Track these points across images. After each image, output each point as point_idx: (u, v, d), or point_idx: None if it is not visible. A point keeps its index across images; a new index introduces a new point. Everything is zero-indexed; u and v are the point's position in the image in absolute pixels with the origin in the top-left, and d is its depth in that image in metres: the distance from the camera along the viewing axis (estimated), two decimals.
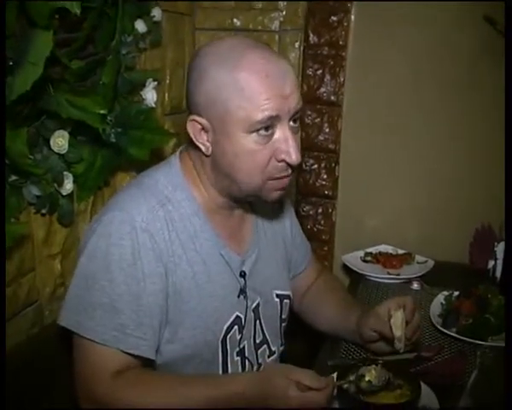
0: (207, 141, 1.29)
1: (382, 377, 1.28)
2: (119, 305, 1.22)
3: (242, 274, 1.41)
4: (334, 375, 1.29)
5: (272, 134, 1.26)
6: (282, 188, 1.33)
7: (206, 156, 1.31)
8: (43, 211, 1.52)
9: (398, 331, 1.40)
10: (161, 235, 1.27)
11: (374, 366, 1.30)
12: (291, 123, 1.28)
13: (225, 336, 1.36)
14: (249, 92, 1.21)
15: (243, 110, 1.22)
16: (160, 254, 1.26)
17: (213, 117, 1.26)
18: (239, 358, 1.41)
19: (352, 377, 1.29)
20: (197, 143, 1.30)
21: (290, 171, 1.30)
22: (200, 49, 1.32)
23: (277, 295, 1.52)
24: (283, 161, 1.27)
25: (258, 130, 1.23)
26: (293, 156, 1.26)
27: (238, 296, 1.40)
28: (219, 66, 1.24)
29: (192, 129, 1.29)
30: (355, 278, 2.13)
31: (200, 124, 1.28)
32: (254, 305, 1.45)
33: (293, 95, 1.25)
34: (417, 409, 1.25)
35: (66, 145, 1.49)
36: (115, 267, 1.22)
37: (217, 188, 1.35)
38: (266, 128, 1.24)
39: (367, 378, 1.28)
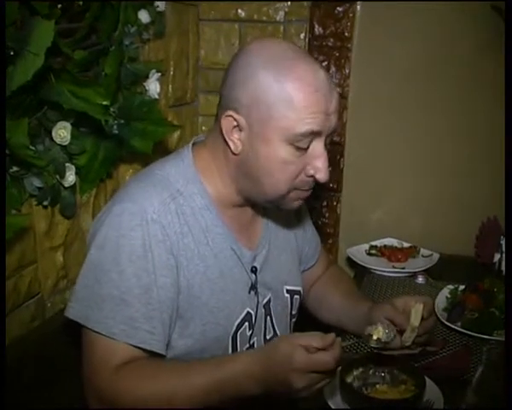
0: (238, 139, 1.27)
1: (391, 333, 1.27)
2: (128, 298, 1.20)
3: (254, 270, 1.40)
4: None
5: (307, 149, 1.25)
6: (303, 199, 1.35)
7: (234, 154, 1.29)
8: (45, 203, 1.51)
9: (415, 321, 1.39)
10: (172, 228, 1.25)
11: (379, 323, 1.30)
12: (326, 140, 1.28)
13: (236, 333, 1.35)
14: (296, 104, 1.20)
15: (287, 120, 1.21)
16: (171, 246, 1.24)
17: (254, 118, 1.24)
18: None
19: (356, 372, 1.29)
20: (227, 139, 1.28)
21: (313, 185, 1.31)
22: (248, 46, 1.29)
23: (288, 291, 1.51)
24: (312, 176, 1.28)
25: (296, 142, 1.23)
26: (323, 175, 1.27)
27: (249, 292, 1.38)
28: (269, 70, 1.22)
29: (226, 124, 1.27)
30: (360, 271, 2.13)
31: (235, 121, 1.26)
32: (265, 301, 1.43)
33: (335, 113, 1.26)
34: (422, 404, 1.24)
35: (69, 137, 1.48)
36: (125, 259, 1.20)
37: (236, 186, 1.33)
38: (305, 142, 1.23)
39: (375, 337, 1.26)
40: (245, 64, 1.25)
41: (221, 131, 1.28)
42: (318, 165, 1.26)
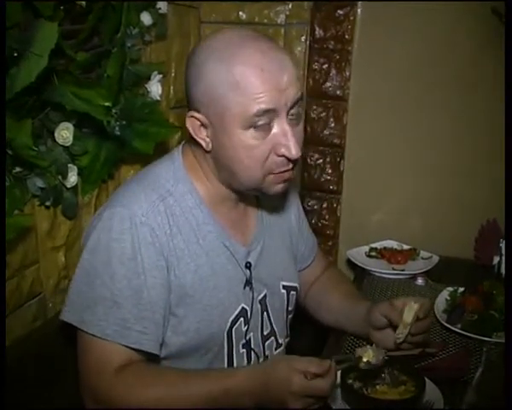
0: (207, 136, 1.28)
1: (380, 356, 1.27)
2: (119, 300, 1.22)
3: (248, 265, 1.41)
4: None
5: (270, 128, 1.24)
6: (285, 181, 1.32)
7: (207, 152, 1.30)
8: (48, 203, 1.52)
9: (408, 318, 1.40)
10: (162, 229, 1.27)
11: (369, 346, 1.30)
12: (290, 116, 1.26)
13: (231, 329, 1.36)
14: (244, 86, 1.20)
15: (239, 105, 1.21)
16: (160, 248, 1.26)
17: (211, 113, 1.25)
18: (245, 350, 1.41)
19: (356, 373, 1.29)
20: (197, 139, 1.29)
21: (291, 165, 1.29)
22: (198, 44, 1.30)
23: (284, 287, 1.52)
24: (283, 155, 1.26)
25: (255, 124, 1.22)
26: (293, 151, 1.25)
27: (244, 288, 1.40)
28: (215, 60, 1.22)
29: (191, 125, 1.28)
30: (359, 273, 2.13)
31: (198, 120, 1.27)
32: (261, 296, 1.44)
33: (291, 88, 1.23)
34: (422, 404, 1.25)
35: (71, 137, 1.49)
36: (116, 262, 1.23)
37: (220, 181, 1.35)
38: (263, 122, 1.22)
39: (365, 359, 1.27)
40: (194, 61, 1.27)
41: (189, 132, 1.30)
42: (284, 142, 1.24)
